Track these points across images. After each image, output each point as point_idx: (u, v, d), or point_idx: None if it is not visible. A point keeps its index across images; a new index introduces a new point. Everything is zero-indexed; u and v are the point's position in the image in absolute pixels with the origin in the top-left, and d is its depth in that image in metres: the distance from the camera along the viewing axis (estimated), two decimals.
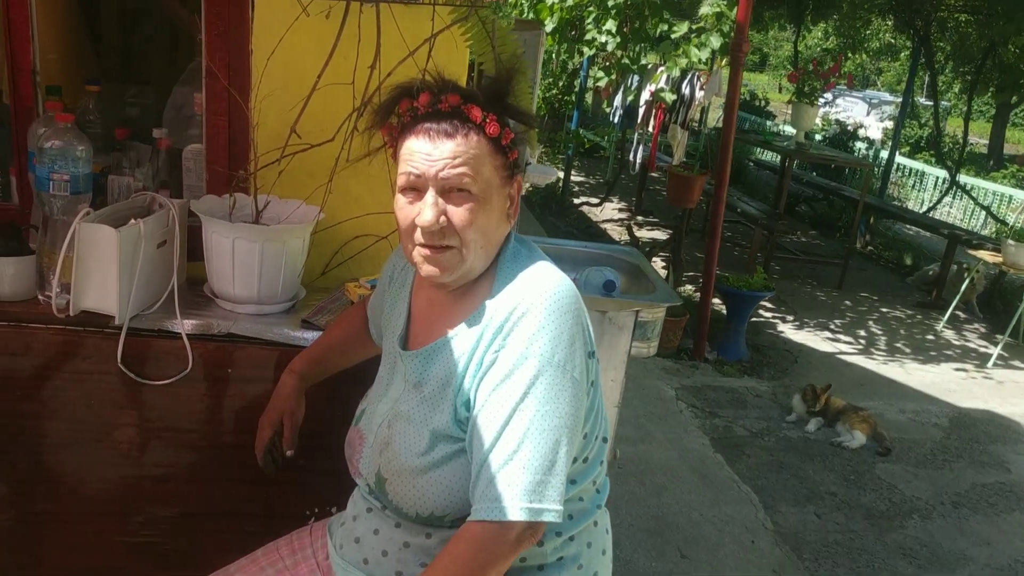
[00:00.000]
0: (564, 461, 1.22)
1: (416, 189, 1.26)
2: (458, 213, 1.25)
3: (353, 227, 2.04)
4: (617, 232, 8.00)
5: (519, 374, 1.22)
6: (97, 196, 2.06)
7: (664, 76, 5.25)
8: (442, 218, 1.25)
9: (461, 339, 1.30)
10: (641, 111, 5.81)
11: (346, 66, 1.82)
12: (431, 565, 1.23)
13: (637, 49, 5.60)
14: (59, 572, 1.86)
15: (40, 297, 1.75)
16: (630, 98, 6.11)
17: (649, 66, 5.78)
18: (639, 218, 8.76)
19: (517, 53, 1.79)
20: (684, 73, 5.15)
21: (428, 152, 1.24)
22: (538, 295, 1.26)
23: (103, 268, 1.67)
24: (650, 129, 5.76)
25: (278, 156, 1.85)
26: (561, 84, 9.99)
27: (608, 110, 7.08)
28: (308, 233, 1.88)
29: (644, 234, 7.94)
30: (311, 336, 1.78)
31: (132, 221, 1.71)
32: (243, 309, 1.83)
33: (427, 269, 1.29)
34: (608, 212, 8.89)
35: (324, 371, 1.70)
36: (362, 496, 1.42)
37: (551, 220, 8.19)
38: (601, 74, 5.85)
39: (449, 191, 1.25)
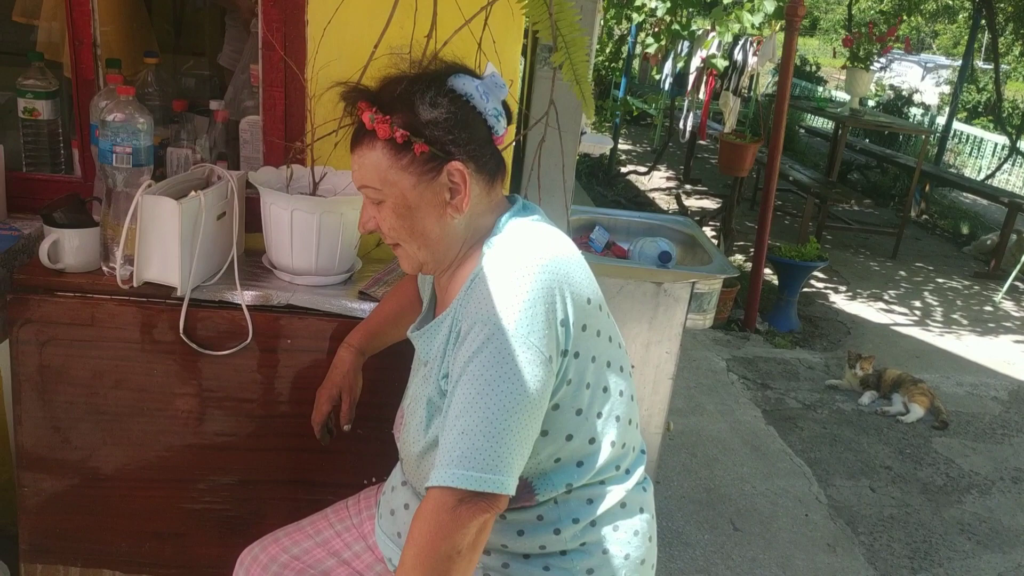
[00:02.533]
0: (517, 429, 1.16)
1: None
2: (381, 220, 1.31)
3: None
4: (665, 201, 7.91)
5: (469, 340, 1.19)
6: (156, 168, 2.08)
7: (716, 42, 5.14)
8: (370, 223, 1.32)
9: (450, 313, 1.30)
10: (692, 78, 5.71)
11: (402, 35, 1.80)
12: (404, 547, 1.19)
13: (687, 14, 5.48)
14: (124, 538, 1.91)
15: (104, 268, 1.78)
16: (680, 64, 6.00)
17: (700, 32, 5.66)
18: (687, 187, 8.66)
19: (574, 20, 1.75)
20: (736, 39, 5.04)
21: (352, 164, 1.30)
22: (500, 260, 1.24)
23: (165, 240, 1.69)
24: (701, 96, 5.65)
25: (335, 127, 1.85)
26: (608, 51, 9.87)
27: (657, 77, 6.97)
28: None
29: (692, 203, 7.84)
30: (367, 307, 1.79)
31: (192, 193, 1.72)
32: (301, 280, 1.85)
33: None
34: (656, 181, 8.80)
35: (380, 343, 1.71)
36: (400, 468, 1.43)
37: (598, 189, 8.12)
38: (650, 40, 5.75)
39: (371, 198, 1.30)
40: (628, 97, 9.05)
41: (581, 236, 2.58)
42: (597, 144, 2.13)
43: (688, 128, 6.08)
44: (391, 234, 1.31)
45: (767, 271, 5.02)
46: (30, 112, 1.98)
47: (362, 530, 1.51)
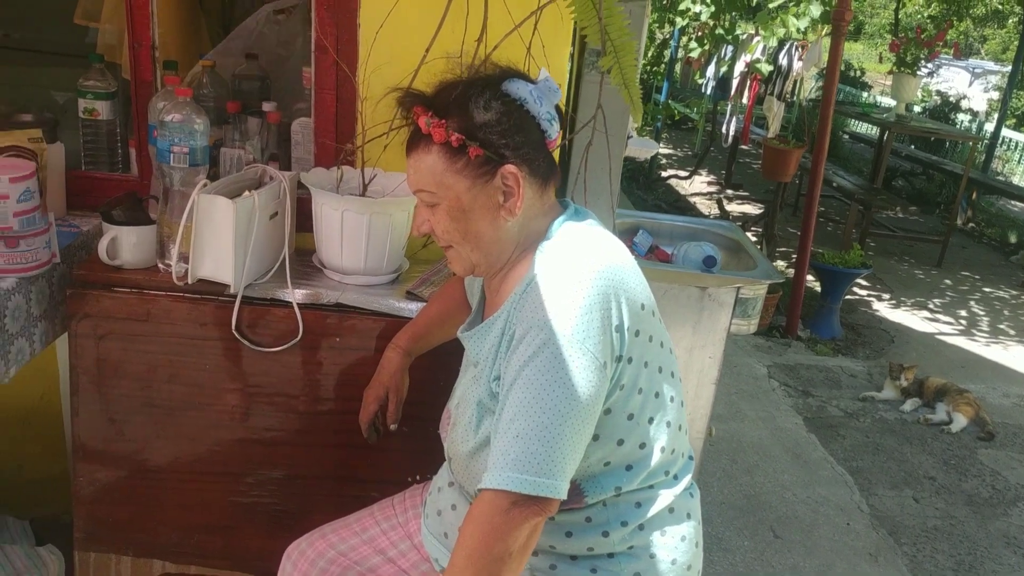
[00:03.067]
0: (571, 434, 1.17)
1: None
2: (435, 222, 1.32)
3: None
4: (706, 206, 7.87)
5: (524, 344, 1.20)
6: (210, 168, 2.12)
7: (760, 46, 5.11)
8: (424, 226, 1.34)
9: (502, 315, 1.31)
10: (735, 82, 5.68)
11: (453, 39, 1.82)
12: (454, 548, 1.22)
13: (731, 18, 5.46)
14: (174, 529, 1.95)
15: (160, 265, 1.82)
16: (723, 69, 5.97)
17: (744, 36, 5.63)
18: (729, 192, 8.60)
19: (623, 24, 1.76)
20: (781, 43, 5.00)
21: (407, 169, 1.32)
22: (556, 265, 1.25)
23: (219, 238, 1.73)
24: (744, 101, 5.62)
25: (385, 130, 1.88)
26: (650, 55, 9.84)
27: (700, 81, 6.94)
28: (413, 206, 1.90)
29: (734, 208, 7.79)
30: (415, 307, 1.81)
31: (246, 193, 1.76)
32: (351, 280, 1.87)
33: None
34: (697, 185, 8.75)
35: (427, 344, 1.73)
36: (447, 469, 1.45)
37: (638, 193, 8.10)
38: (694, 45, 5.72)
39: (425, 202, 1.32)
40: (670, 101, 9.02)
41: (624, 240, 2.58)
42: (643, 148, 2.14)
43: (731, 133, 6.04)
44: (445, 236, 1.33)
45: (809, 278, 4.98)
46: (90, 112, 2.03)
47: (408, 529, 1.53)
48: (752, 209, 7.71)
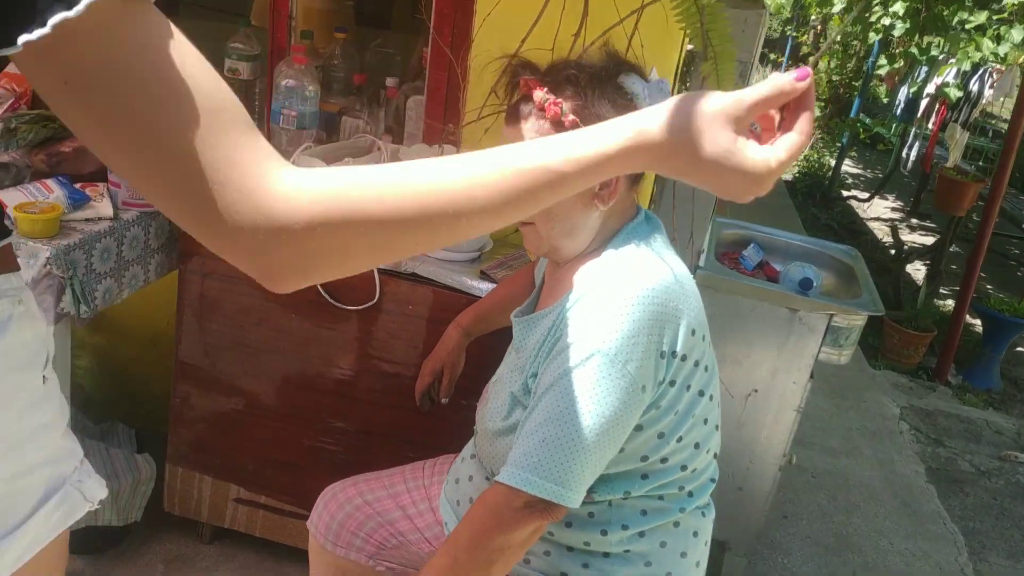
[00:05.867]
0: (596, 450, 1.19)
1: None
2: None
3: None
4: (883, 232, 7.43)
5: (568, 353, 1.22)
6: (332, 135, 2.28)
7: (952, 69, 4.77)
8: None
9: (552, 313, 1.32)
10: (923, 105, 5.33)
11: (565, 30, 1.86)
12: (459, 523, 1.27)
13: (927, 37, 5.12)
14: (251, 460, 2.12)
15: None
16: (913, 90, 5.62)
17: (941, 56, 5.27)
18: (915, 220, 8.08)
19: (725, 31, 1.73)
20: (976, 67, 4.65)
21: (505, 136, 1.31)
22: (607, 279, 1.25)
23: None
24: (930, 125, 5.27)
25: (489, 113, 1.94)
26: (848, 68, 9.37)
27: (885, 101, 6.54)
28: None
29: (915, 239, 7.32)
30: (485, 287, 1.87)
31: (347, 159, 1.88)
32: (433, 253, 1.96)
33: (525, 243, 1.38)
34: (878, 210, 8.27)
35: (488, 326, 1.79)
36: (473, 441, 1.50)
37: (812, 211, 7.76)
38: (884, 61, 5.41)
39: None
40: (862, 117, 8.55)
41: (733, 252, 2.53)
42: None
43: (911, 157, 5.68)
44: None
45: (976, 322, 4.62)
46: (233, 72, 2.23)
47: (429, 492, 1.60)
48: (934, 241, 7.21)
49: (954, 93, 4.79)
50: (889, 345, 4.63)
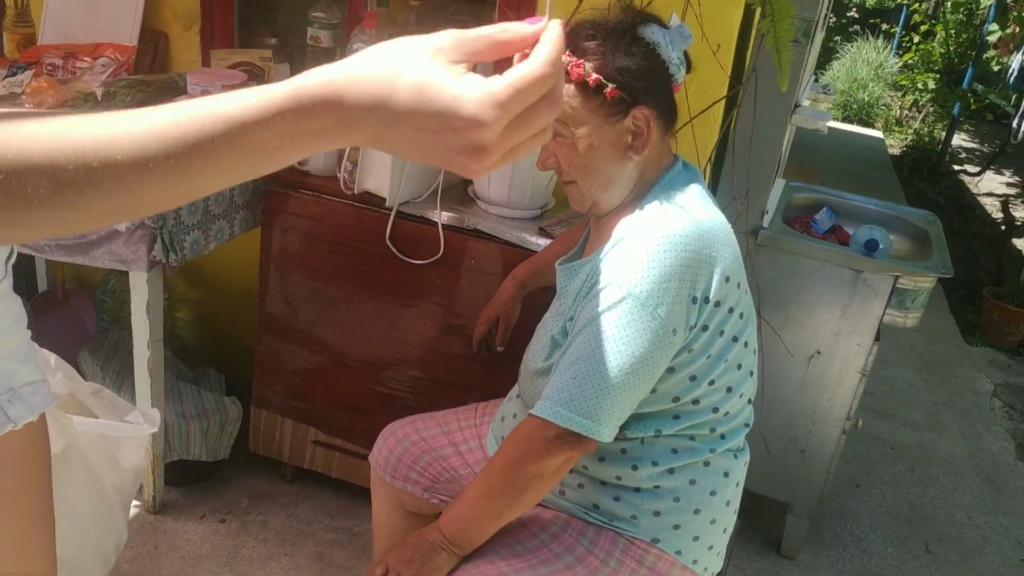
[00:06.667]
0: (625, 388, 1.25)
1: None
2: (562, 157, 1.38)
3: None
4: (994, 207, 7.10)
5: (602, 296, 1.28)
6: None
7: None
8: (550, 160, 1.40)
9: (591, 261, 1.38)
10: None
11: None
12: (495, 452, 1.38)
13: None
14: (327, 405, 2.27)
15: (338, 174, 2.10)
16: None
17: None
18: None
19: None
20: None
21: None
22: (642, 226, 1.30)
23: (381, 156, 1.97)
24: None
25: None
26: (964, 37, 8.93)
27: (995, 69, 6.23)
28: None
29: None
30: (543, 243, 1.95)
31: None
32: (495, 210, 2.05)
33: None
34: (993, 184, 7.89)
35: (542, 280, 1.86)
36: (518, 383, 1.58)
37: (918, 185, 7.48)
38: (995, 27, 5.17)
39: (555, 136, 1.36)
40: (976, 86, 8.14)
41: (807, 215, 2.52)
42: (812, 119, 2.07)
43: (1022, 129, 5.41)
44: (569, 171, 1.40)
45: None
46: (314, 39, 2.36)
47: (480, 430, 1.70)
48: None
49: None
50: (988, 321, 4.47)
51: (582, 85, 1.33)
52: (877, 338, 2.21)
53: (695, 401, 1.38)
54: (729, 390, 1.40)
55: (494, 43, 0.59)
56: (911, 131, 9.42)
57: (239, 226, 2.16)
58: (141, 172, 0.56)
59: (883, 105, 9.95)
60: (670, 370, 1.33)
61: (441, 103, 0.56)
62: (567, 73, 1.33)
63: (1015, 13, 5.56)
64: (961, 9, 7.21)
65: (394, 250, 2.05)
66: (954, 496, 2.98)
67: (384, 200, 2.02)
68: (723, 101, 2.06)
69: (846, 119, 9.89)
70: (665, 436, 1.40)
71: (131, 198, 0.58)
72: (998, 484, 3.12)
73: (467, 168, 0.59)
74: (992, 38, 5.27)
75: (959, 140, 9.52)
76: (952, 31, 8.57)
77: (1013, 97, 7.51)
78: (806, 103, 2.49)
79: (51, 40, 2.34)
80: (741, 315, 1.38)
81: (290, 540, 2.26)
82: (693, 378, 1.35)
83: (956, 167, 8.39)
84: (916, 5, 10.31)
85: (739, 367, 1.40)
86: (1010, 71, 5.95)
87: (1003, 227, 5.89)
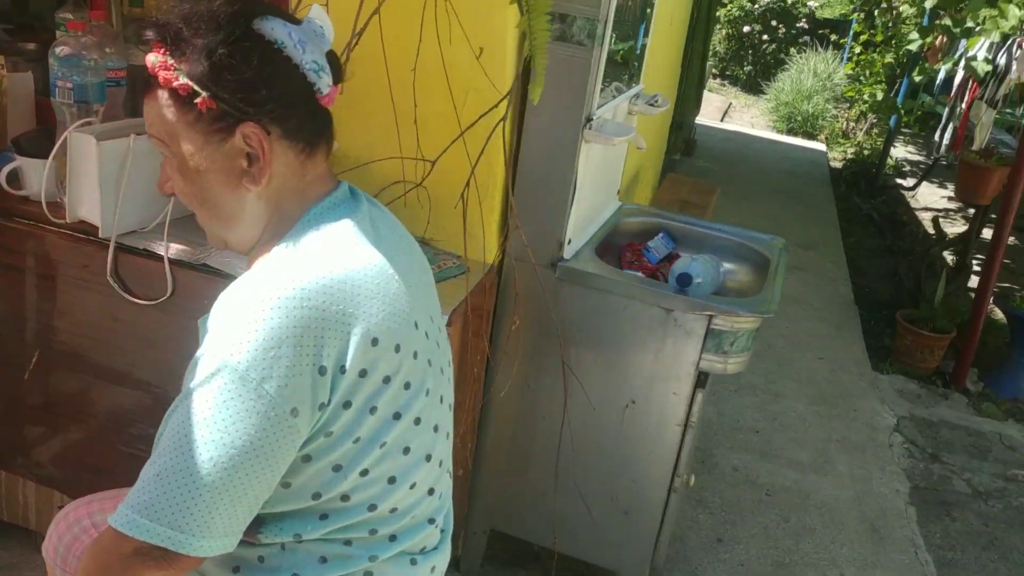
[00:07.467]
0: (228, 488, 0.96)
1: None
2: (174, 178, 1.12)
3: (383, 170, 1.86)
4: (930, 223, 6.88)
5: (199, 367, 0.99)
6: None
7: (982, 41, 4.29)
8: (167, 185, 1.14)
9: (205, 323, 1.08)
10: (956, 82, 4.84)
11: None
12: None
13: (961, 6, 4.63)
14: (71, 466, 1.95)
15: (59, 200, 1.80)
16: (947, 66, 5.12)
17: (978, 29, 4.78)
18: (972, 211, 7.47)
19: None
20: (1006, 38, 4.16)
21: (143, 110, 1.10)
22: (254, 280, 1.02)
23: (89, 180, 1.67)
24: (963, 105, 4.78)
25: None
26: (901, 47, 8.72)
27: (918, 79, 6.02)
28: None
29: (961, 231, 6.74)
30: None
31: (133, 136, 1.68)
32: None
33: None
34: (929, 199, 7.67)
35: None
36: None
37: (855, 200, 7.25)
38: (915, 35, 4.95)
39: (163, 154, 1.11)
40: (922, 97, 7.92)
41: (639, 243, 2.23)
42: (610, 136, 1.79)
43: (944, 141, 5.18)
44: (183, 199, 1.14)
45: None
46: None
47: None
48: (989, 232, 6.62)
49: (982, 68, 4.30)
50: (901, 347, 4.21)
51: (174, 93, 1.04)
52: (701, 384, 1.92)
53: (344, 497, 1.08)
54: (392, 480, 1.10)
55: None
56: (855, 144, 9.22)
57: None
58: None
59: (829, 117, 9.76)
60: (306, 458, 1.04)
61: None
62: (156, 76, 1.04)
63: (938, 22, 5.34)
64: (888, 17, 7.00)
65: (117, 289, 1.74)
66: (829, 550, 2.70)
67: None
68: (503, 115, 1.77)
69: (790, 131, 9.69)
70: (309, 541, 1.10)
71: None
72: (882, 533, 2.84)
73: None
74: (913, 47, 5.04)
75: (905, 152, 9.34)
76: (894, 41, 8.36)
77: (927, 105, 7.31)
78: (631, 116, 2.20)
79: None
80: (407, 385, 1.09)
81: None
82: (337, 468, 1.06)
83: (899, 180, 8.19)
84: (857, 15, 10.14)
85: (406, 451, 1.11)
86: (937, 81, 5.74)
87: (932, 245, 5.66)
